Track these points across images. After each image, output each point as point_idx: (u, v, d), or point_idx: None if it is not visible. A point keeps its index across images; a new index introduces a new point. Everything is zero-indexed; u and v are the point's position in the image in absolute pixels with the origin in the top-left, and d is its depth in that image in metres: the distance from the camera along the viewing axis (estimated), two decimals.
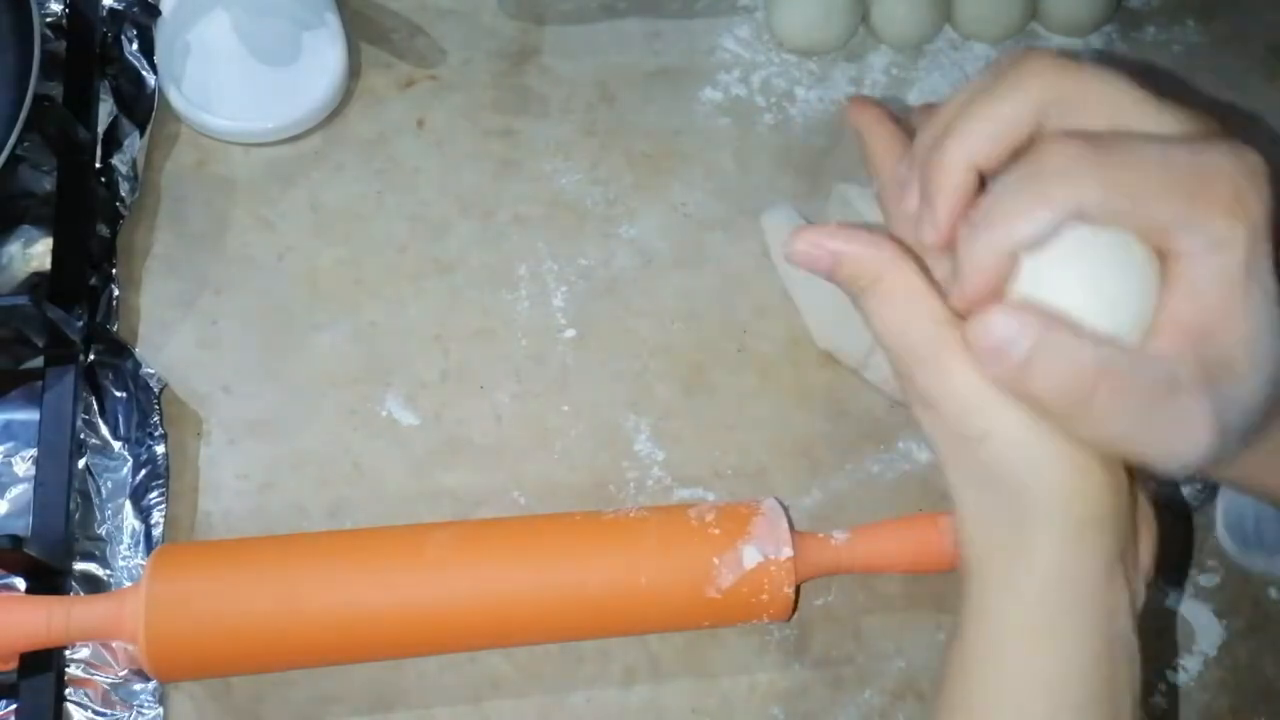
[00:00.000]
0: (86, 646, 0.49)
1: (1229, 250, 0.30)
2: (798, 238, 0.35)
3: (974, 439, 0.33)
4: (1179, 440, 0.31)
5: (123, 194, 0.57)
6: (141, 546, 0.51)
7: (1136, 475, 0.35)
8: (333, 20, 0.60)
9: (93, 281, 0.55)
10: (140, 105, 0.59)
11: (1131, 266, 0.32)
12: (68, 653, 0.49)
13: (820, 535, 0.50)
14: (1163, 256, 0.32)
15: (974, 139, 0.33)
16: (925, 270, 0.34)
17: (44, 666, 0.47)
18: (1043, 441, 0.33)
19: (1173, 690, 0.52)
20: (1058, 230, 0.31)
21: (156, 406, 0.53)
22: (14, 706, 0.47)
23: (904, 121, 0.40)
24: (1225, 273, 0.30)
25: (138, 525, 0.51)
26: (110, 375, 0.53)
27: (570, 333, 0.57)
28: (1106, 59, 0.65)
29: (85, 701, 0.48)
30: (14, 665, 0.47)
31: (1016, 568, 0.34)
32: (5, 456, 0.52)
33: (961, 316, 0.33)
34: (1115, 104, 0.32)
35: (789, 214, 0.58)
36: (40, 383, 0.52)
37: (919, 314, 0.33)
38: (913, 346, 0.34)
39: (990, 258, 0.32)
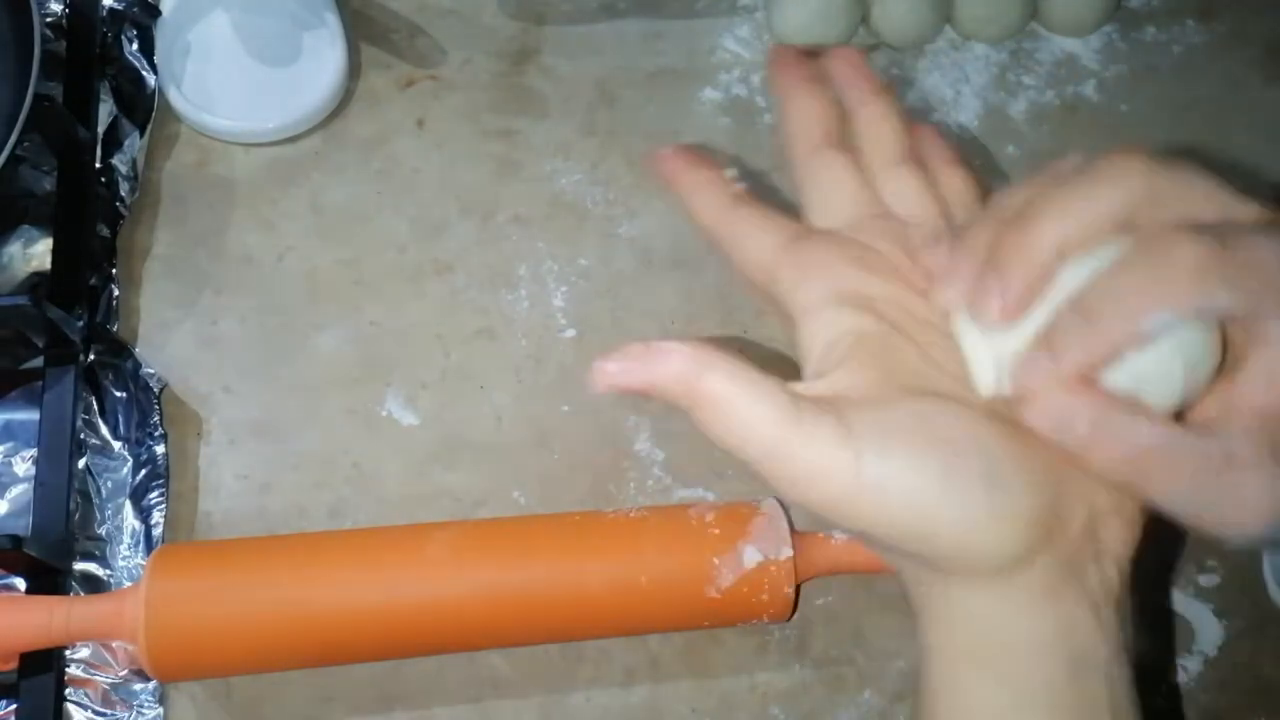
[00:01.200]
0: (86, 646, 0.49)
1: None
2: (608, 362, 0.32)
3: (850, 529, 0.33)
4: (1239, 512, 0.31)
5: (123, 194, 0.57)
6: (141, 546, 0.51)
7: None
8: (333, 20, 0.60)
9: (93, 281, 0.55)
10: (140, 105, 0.59)
11: (1197, 344, 0.32)
12: (68, 653, 0.49)
13: (820, 535, 0.50)
14: (1238, 338, 0.32)
15: (1067, 224, 0.33)
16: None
17: (44, 666, 0.47)
18: (915, 512, 0.32)
19: (1173, 690, 0.52)
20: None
21: (156, 406, 0.53)
22: (14, 706, 0.47)
23: (822, 70, 0.40)
24: None
25: (138, 525, 0.51)
26: (110, 375, 0.53)
27: (570, 333, 0.57)
28: (1110, 54, 0.66)
29: (85, 701, 0.48)
30: (14, 665, 0.47)
31: (944, 611, 0.34)
32: (5, 456, 0.52)
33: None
34: (1203, 198, 0.33)
35: None
36: (40, 383, 0.52)
37: (754, 421, 0.32)
38: (757, 457, 0.33)
39: (1101, 343, 0.32)
